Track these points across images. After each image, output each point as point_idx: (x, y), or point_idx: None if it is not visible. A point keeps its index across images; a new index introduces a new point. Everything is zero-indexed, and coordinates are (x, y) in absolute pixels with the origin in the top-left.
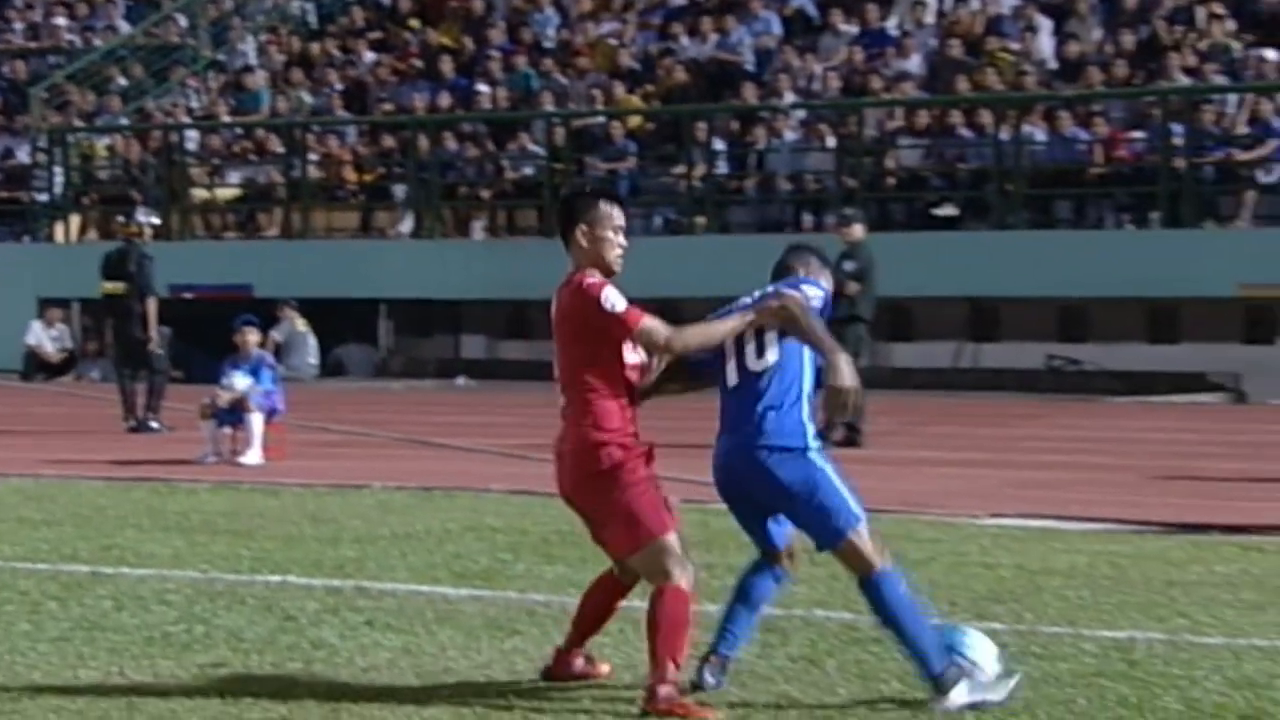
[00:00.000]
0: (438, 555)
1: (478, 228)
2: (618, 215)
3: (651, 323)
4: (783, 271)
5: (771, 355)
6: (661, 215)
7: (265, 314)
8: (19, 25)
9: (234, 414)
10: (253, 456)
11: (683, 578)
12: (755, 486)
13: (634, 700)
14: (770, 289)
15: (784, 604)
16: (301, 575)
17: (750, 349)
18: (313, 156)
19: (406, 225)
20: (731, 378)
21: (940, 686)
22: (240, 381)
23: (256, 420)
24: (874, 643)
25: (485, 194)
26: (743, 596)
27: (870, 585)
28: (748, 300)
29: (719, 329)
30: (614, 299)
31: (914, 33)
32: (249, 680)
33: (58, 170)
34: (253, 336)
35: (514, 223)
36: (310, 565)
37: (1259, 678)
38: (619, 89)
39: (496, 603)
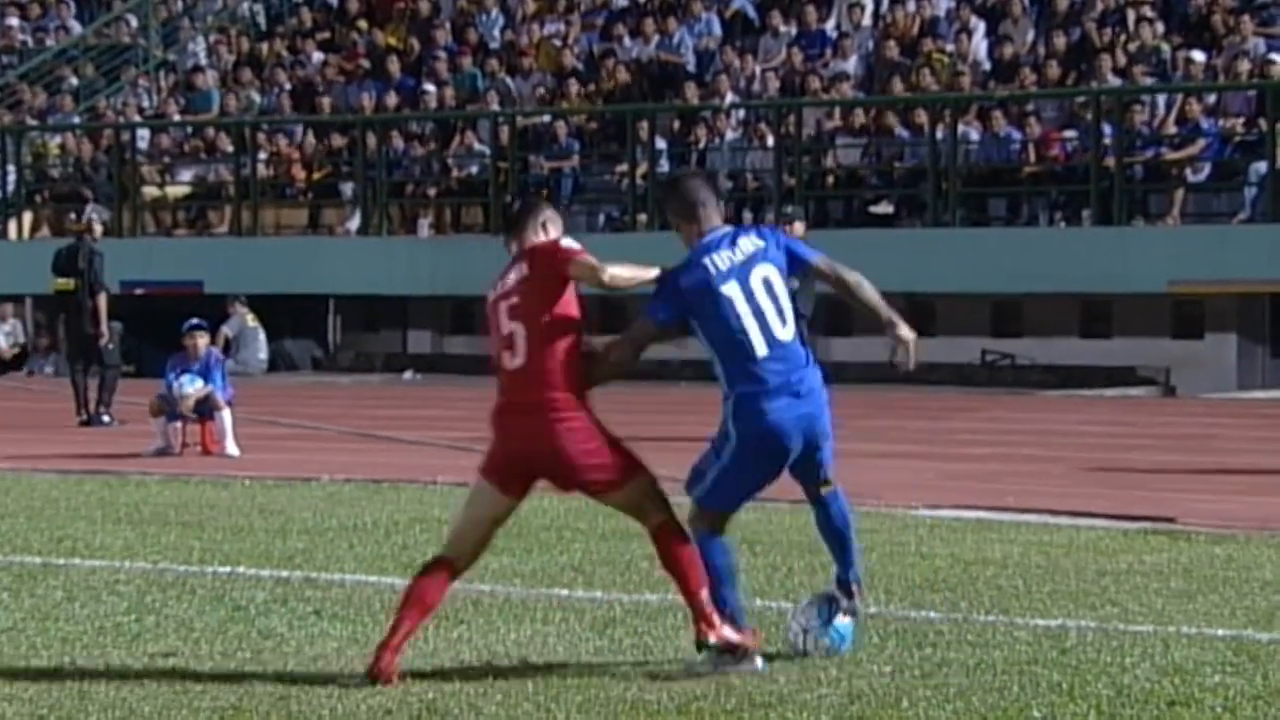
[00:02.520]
0: (385, 546)
1: (424, 225)
2: None
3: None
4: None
5: (791, 319)
6: (604, 213)
7: (215, 310)
8: None
9: (192, 415)
10: (231, 448)
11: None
12: (819, 429)
13: (576, 682)
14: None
15: None
16: (251, 566)
17: (773, 319)
18: (262, 155)
19: (354, 222)
20: (760, 347)
21: None
22: (190, 386)
23: (227, 415)
24: None
25: (432, 192)
26: (832, 533)
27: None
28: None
29: (649, 272)
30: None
31: (851, 34)
32: (199, 669)
33: (10, 168)
34: (202, 340)
35: (460, 220)
36: (259, 556)
37: (1187, 664)
38: (569, 87)
39: None
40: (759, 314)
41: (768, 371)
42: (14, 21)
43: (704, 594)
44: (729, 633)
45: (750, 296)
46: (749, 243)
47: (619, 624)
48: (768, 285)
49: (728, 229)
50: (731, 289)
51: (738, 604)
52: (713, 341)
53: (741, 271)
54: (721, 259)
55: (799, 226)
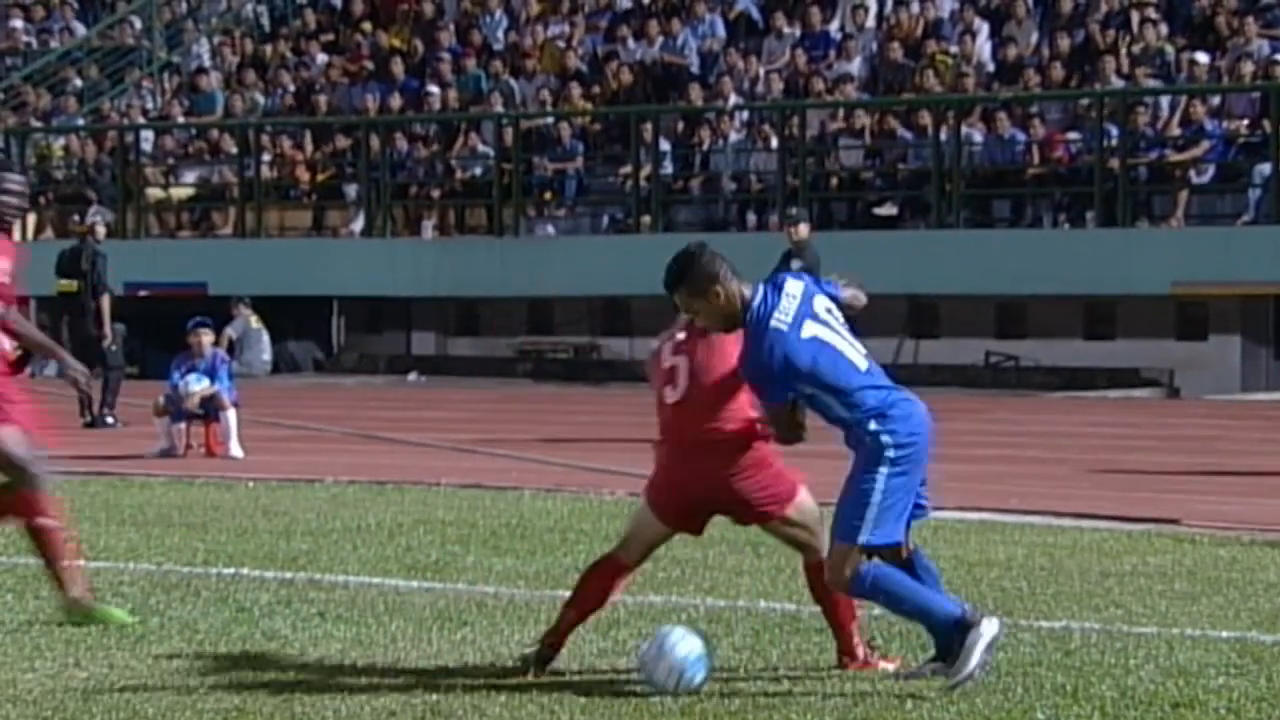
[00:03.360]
0: (389, 548)
1: (428, 227)
2: None
3: None
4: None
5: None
6: (608, 214)
7: (219, 311)
8: None
9: (197, 412)
10: (236, 449)
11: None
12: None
13: (574, 686)
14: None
15: (727, 595)
16: (255, 568)
17: (852, 339)
18: (266, 157)
19: (358, 224)
20: (861, 362)
21: None
22: (196, 385)
23: (232, 415)
24: (816, 632)
25: (435, 193)
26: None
27: None
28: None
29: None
30: None
31: (855, 36)
32: (203, 671)
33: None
34: (206, 338)
35: (464, 221)
36: (263, 558)
37: (1191, 666)
38: (572, 89)
39: (446, 595)
40: (842, 335)
41: (880, 379)
42: (18, 23)
43: (853, 626)
44: (878, 662)
45: (827, 325)
46: (793, 285)
47: (623, 625)
48: (830, 312)
49: (759, 285)
50: (810, 328)
51: (946, 600)
52: (819, 382)
53: (807, 308)
54: (783, 312)
55: (803, 228)
